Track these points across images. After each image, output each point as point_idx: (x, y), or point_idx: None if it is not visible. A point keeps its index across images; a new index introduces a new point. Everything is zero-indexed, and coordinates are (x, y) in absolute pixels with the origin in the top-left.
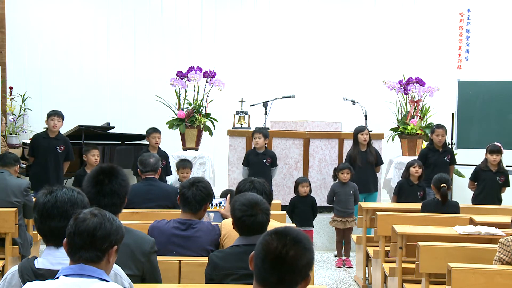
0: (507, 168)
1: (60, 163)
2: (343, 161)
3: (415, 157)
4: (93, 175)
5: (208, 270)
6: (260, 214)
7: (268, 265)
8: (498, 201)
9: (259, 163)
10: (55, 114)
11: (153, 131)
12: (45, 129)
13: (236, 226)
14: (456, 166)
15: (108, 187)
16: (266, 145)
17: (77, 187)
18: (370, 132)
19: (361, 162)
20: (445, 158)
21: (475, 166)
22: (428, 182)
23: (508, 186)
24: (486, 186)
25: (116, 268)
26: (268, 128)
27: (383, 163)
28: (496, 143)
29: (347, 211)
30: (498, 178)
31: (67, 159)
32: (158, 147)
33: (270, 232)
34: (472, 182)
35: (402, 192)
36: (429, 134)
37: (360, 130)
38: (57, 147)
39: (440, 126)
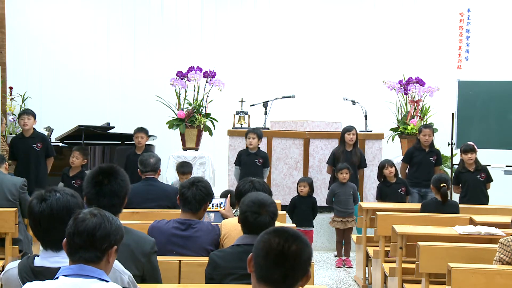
0: (507, 168)
1: (40, 161)
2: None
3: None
4: (92, 176)
5: (209, 269)
6: (265, 215)
7: (271, 262)
8: (485, 198)
9: (251, 163)
10: (24, 113)
11: (137, 131)
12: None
13: (240, 221)
14: (456, 166)
15: (107, 187)
16: (259, 146)
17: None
18: (370, 132)
19: (343, 162)
20: (431, 158)
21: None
22: (411, 181)
23: (491, 181)
24: (469, 186)
25: (115, 264)
26: (268, 128)
27: (366, 166)
28: (469, 143)
29: (347, 211)
30: (478, 176)
31: (48, 156)
32: (145, 146)
33: (268, 231)
34: (456, 186)
35: (384, 195)
36: (416, 134)
37: (347, 129)
38: (33, 145)
39: (427, 126)
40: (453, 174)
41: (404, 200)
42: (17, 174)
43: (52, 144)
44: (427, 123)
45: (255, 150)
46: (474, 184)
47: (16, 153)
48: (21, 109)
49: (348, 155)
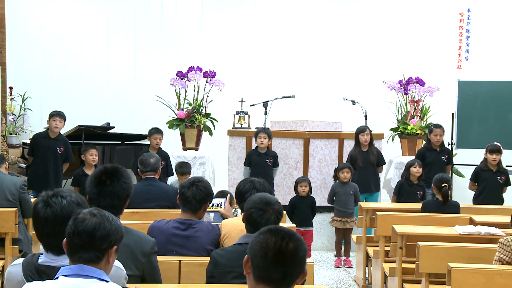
0: (507, 168)
1: (59, 164)
2: (343, 161)
3: (414, 157)
4: (96, 175)
5: (209, 267)
6: (271, 213)
7: (270, 262)
8: (500, 200)
9: (261, 163)
10: (57, 115)
11: (155, 131)
12: (45, 129)
13: (245, 219)
14: (456, 166)
15: (109, 188)
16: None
17: (76, 187)
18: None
19: (362, 162)
20: (443, 157)
21: (475, 167)
22: (425, 182)
23: (509, 185)
24: (487, 186)
25: (115, 262)
26: (268, 128)
27: (385, 163)
28: (495, 143)
29: (347, 211)
30: (498, 177)
31: (67, 161)
32: (159, 147)
33: (263, 231)
34: (473, 182)
35: (402, 192)
36: (427, 134)
37: (361, 130)
38: (57, 147)
39: (438, 126)
40: (453, 174)
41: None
42: (34, 172)
43: None
44: (428, 123)
45: (265, 150)
46: (492, 185)
47: (36, 150)
48: (54, 110)
49: (365, 155)
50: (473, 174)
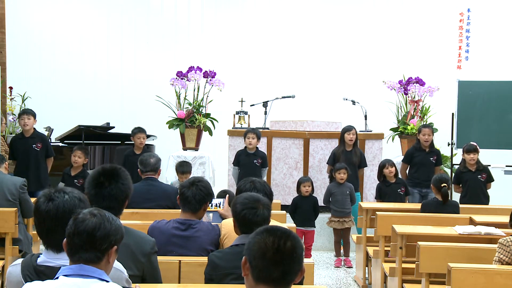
0: (507, 168)
1: (40, 161)
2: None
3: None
4: (94, 176)
5: (208, 270)
6: (262, 209)
7: (269, 261)
8: (485, 198)
9: (250, 163)
10: (24, 113)
11: (138, 131)
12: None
13: (237, 222)
14: (456, 166)
15: (107, 190)
16: (257, 146)
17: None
18: (370, 132)
19: (344, 162)
20: (431, 158)
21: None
22: (412, 182)
23: (492, 181)
24: (470, 186)
25: (115, 264)
26: (268, 128)
27: (366, 166)
28: (472, 143)
29: (344, 211)
30: (479, 176)
31: (48, 156)
32: (144, 146)
33: (259, 232)
34: (457, 185)
35: (383, 194)
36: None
37: (347, 129)
38: (33, 145)
39: (426, 126)
40: (453, 174)
41: (403, 200)
42: (17, 174)
43: (52, 144)
44: (427, 123)
45: (254, 150)
46: (474, 184)
47: (16, 153)
48: (21, 109)
49: (348, 155)
50: (454, 177)
